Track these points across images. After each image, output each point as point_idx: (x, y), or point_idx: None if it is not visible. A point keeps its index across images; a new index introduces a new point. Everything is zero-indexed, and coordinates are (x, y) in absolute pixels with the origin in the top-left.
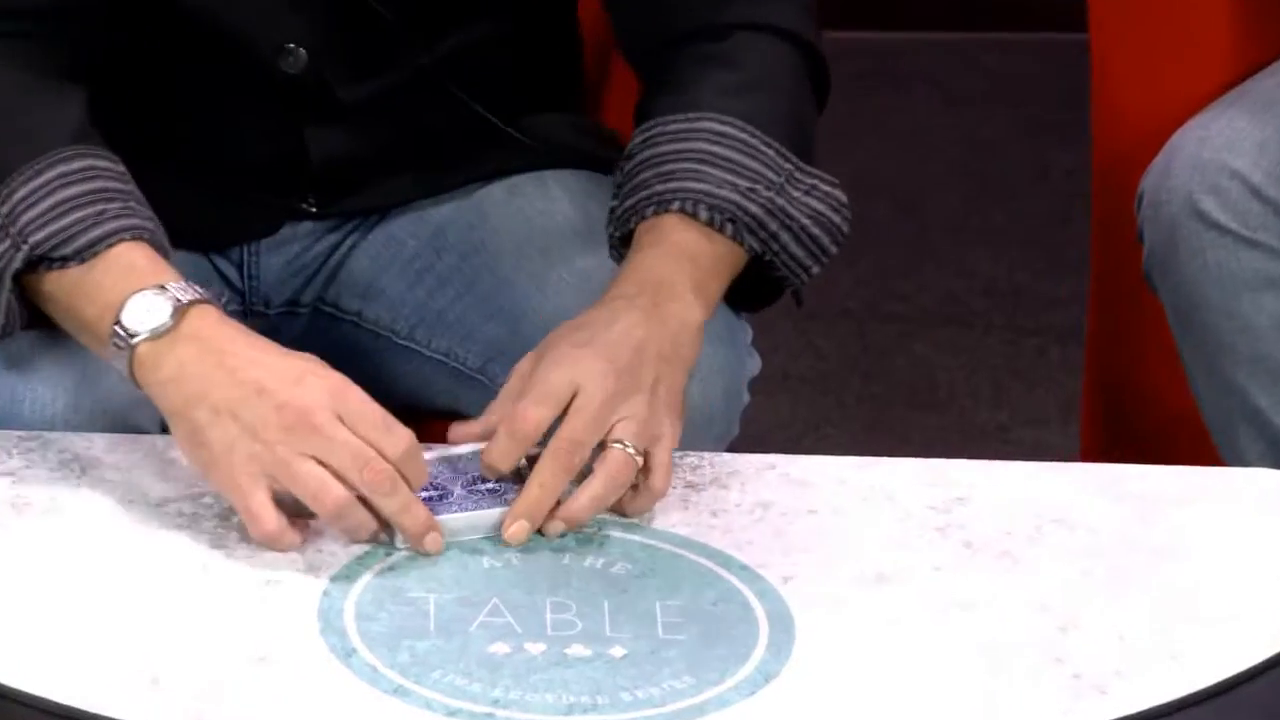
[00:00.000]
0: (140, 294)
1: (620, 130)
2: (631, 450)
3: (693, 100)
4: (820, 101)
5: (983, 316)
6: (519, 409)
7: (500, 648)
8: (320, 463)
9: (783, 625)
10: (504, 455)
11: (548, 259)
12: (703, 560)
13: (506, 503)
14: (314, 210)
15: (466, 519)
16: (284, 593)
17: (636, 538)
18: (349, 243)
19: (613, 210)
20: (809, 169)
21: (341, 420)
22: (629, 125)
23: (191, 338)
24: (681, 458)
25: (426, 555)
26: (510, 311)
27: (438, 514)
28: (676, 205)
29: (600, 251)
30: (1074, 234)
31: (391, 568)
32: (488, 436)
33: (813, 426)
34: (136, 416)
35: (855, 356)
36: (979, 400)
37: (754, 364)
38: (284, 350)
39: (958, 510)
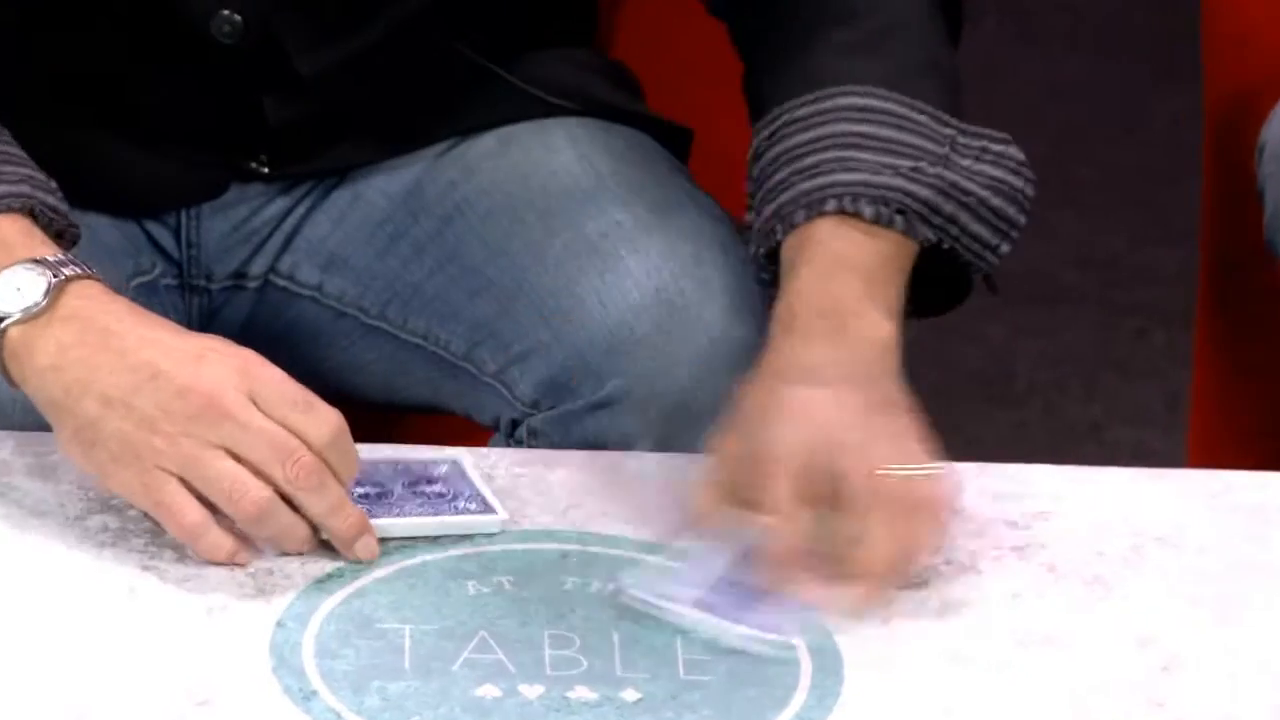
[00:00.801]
0: (9, 270)
1: (636, 69)
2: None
3: (815, 72)
4: (955, 37)
5: (1071, 292)
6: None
7: (489, 690)
8: (232, 456)
9: (828, 664)
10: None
11: (547, 223)
12: None
13: (457, 509)
14: (266, 171)
15: (409, 525)
16: (229, 623)
17: (652, 558)
18: (307, 203)
19: (749, 224)
20: (972, 128)
21: (255, 403)
22: (647, 62)
23: (70, 317)
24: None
25: (360, 563)
26: (501, 286)
27: (374, 517)
28: (832, 205)
29: (612, 214)
30: (1180, 193)
31: (359, 594)
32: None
33: None
34: None
35: (916, 340)
36: (1066, 394)
37: None
38: (179, 328)
39: (1039, 526)
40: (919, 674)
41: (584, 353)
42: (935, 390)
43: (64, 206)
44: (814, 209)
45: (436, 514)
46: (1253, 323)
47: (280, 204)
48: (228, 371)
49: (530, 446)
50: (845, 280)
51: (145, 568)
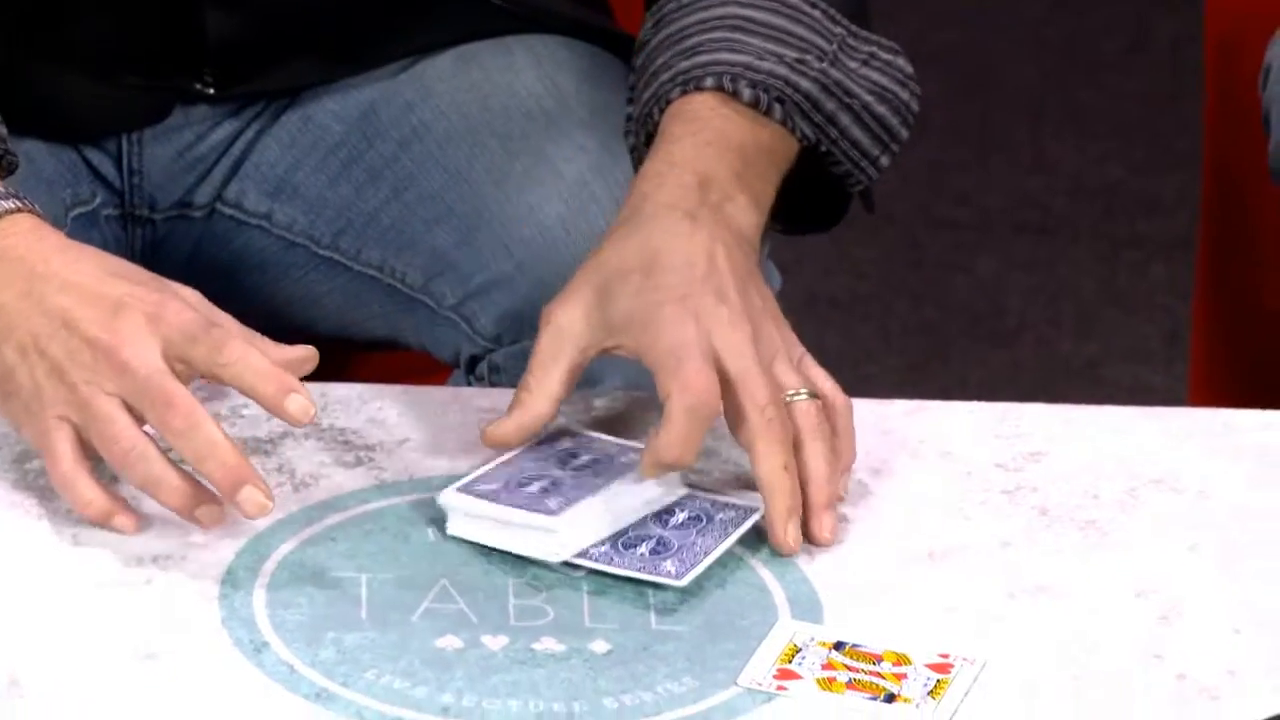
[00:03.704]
0: None
1: None
2: (807, 396)
3: None
4: None
5: (1066, 223)
6: (688, 379)
7: (450, 642)
8: (129, 409)
9: (808, 614)
10: (689, 440)
11: (509, 147)
12: None
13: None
14: (211, 92)
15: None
16: (176, 572)
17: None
18: (255, 127)
19: (629, 118)
20: (863, 33)
21: (167, 344)
22: None
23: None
24: None
25: (248, 517)
26: (461, 214)
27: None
28: (710, 83)
29: (577, 137)
30: (1181, 118)
31: (312, 541)
32: (527, 434)
33: (849, 362)
34: None
35: (903, 274)
36: (1060, 329)
37: (773, 282)
38: (107, 268)
39: (1032, 469)
40: (902, 625)
41: (548, 284)
42: (922, 326)
43: (3, 130)
44: (690, 85)
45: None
46: (1257, 254)
47: (227, 128)
48: (138, 323)
49: (492, 383)
50: (722, 157)
51: None
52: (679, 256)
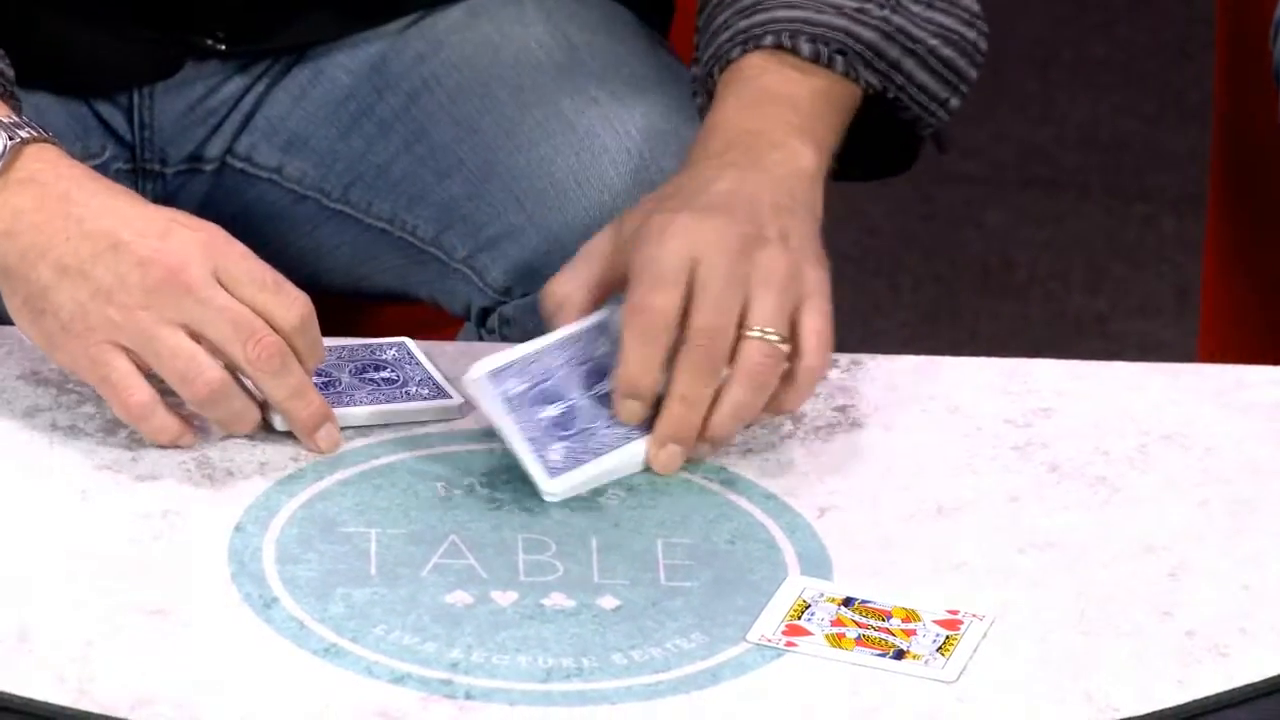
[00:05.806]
0: None
1: None
2: (774, 337)
3: None
4: None
5: (1076, 177)
6: (637, 302)
7: (460, 597)
8: (191, 334)
9: (817, 570)
10: (644, 366)
11: (520, 99)
12: (716, 487)
13: (409, 395)
14: (222, 49)
15: (364, 415)
16: (185, 527)
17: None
18: (266, 81)
19: (693, 78)
20: None
21: (219, 281)
22: None
23: (28, 181)
24: None
25: (321, 454)
26: (472, 166)
27: (331, 406)
28: (769, 40)
29: (588, 89)
30: (1192, 71)
31: (322, 496)
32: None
33: (858, 317)
34: None
35: (913, 228)
36: (1070, 284)
37: None
38: (142, 199)
39: (1041, 424)
40: (911, 581)
41: (559, 236)
42: (931, 279)
43: (10, 72)
44: (750, 45)
45: (390, 402)
46: (1268, 209)
47: (238, 82)
48: (193, 245)
49: (503, 335)
50: (771, 112)
51: (98, 467)
52: (700, 182)
